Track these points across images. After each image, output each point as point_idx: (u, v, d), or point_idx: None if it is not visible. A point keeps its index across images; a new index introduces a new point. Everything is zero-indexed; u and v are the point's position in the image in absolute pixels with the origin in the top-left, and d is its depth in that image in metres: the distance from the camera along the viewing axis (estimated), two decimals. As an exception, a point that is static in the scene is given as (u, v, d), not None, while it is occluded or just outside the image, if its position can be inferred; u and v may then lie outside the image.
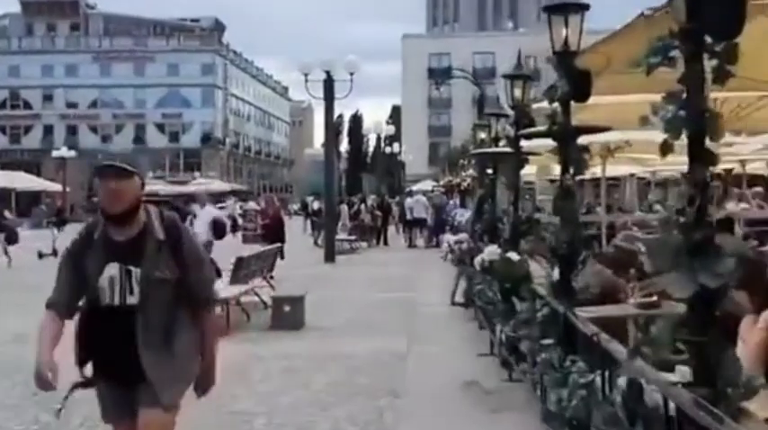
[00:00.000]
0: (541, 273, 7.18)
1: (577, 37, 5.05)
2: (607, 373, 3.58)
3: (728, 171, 14.01)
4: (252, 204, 33.51)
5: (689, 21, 2.69)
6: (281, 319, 10.31)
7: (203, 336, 3.49)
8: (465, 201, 27.49)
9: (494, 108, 11.13)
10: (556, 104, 5.10)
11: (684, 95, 2.69)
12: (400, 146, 51.90)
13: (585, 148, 5.30)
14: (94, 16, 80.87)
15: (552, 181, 16.10)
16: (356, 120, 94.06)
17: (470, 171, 22.19)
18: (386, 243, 28.79)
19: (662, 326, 2.85)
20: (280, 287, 12.75)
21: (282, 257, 17.06)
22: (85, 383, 3.45)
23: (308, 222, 33.05)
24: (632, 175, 18.94)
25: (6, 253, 20.00)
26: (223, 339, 8.58)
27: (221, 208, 32.09)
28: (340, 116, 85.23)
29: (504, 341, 6.93)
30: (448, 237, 20.04)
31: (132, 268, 3.33)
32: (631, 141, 9.89)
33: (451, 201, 29.72)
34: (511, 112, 8.41)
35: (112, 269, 3.32)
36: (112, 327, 3.35)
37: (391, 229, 31.30)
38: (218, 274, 9.74)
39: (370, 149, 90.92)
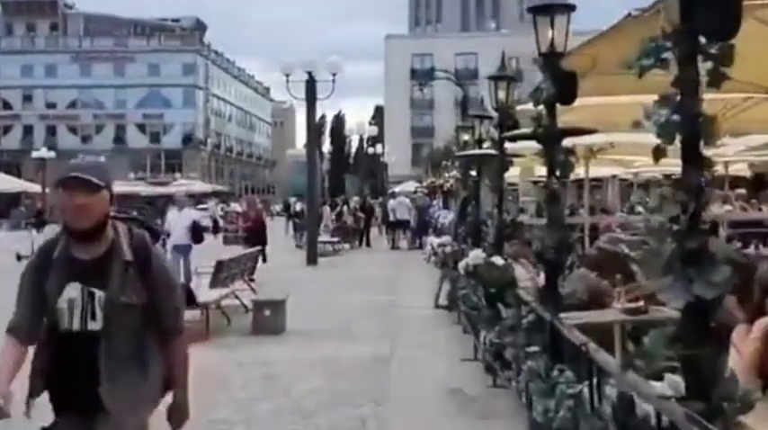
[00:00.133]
0: (526, 276, 7.11)
1: (563, 38, 4.95)
2: (595, 384, 3.48)
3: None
4: (234, 206, 33.32)
5: (683, 21, 2.59)
6: (262, 324, 10.17)
7: (173, 368, 3.22)
8: (448, 202, 27.50)
9: (477, 109, 11.01)
10: (541, 107, 4.99)
11: (678, 99, 2.59)
12: (383, 147, 51.76)
13: (571, 151, 5.19)
14: (74, 16, 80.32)
15: (536, 182, 16.11)
16: (339, 120, 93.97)
17: (453, 172, 22.13)
18: (368, 245, 28.71)
19: (655, 338, 2.75)
20: (261, 290, 12.59)
21: (265, 260, 16.94)
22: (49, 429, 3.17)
23: (290, 224, 32.87)
24: (614, 177, 18.99)
25: (-16, 255, 19.75)
26: (203, 345, 8.58)
27: (202, 209, 31.93)
28: (322, 117, 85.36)
29: (489, 347, 6.83)
30: (431, 240, 20.03)
31: (96, 290, 3.03)
32: (615, 143, 9.85)
33: (434, 203, 29.69)
34: (495, 114, 8.32)
35: (73, 290, 3.03)
36: (71, 354, 3.08)
37: (374, 231, 31.23)
38: (192, 301, 9.33)
39: (353, 150, 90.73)
